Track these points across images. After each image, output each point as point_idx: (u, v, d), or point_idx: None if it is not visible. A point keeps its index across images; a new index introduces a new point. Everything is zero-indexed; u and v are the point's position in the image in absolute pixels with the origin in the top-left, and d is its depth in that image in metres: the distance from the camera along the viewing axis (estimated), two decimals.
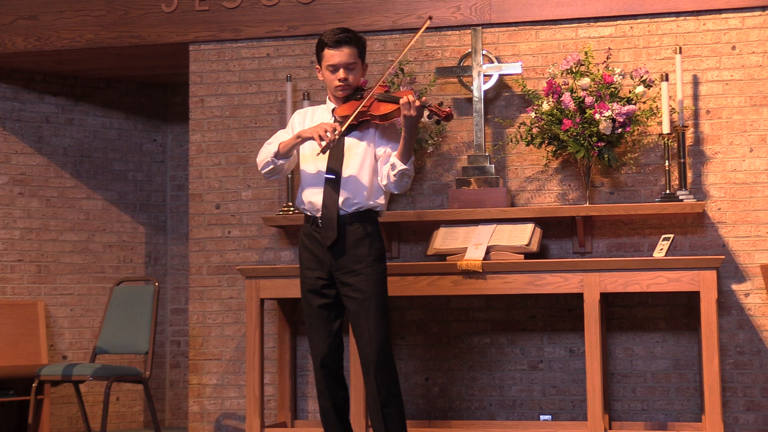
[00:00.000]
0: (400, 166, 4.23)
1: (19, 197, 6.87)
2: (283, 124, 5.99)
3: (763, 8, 5.56)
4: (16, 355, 6.51)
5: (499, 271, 5.20)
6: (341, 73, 4.32)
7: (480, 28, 5.75)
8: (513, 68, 5.68)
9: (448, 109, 4.21)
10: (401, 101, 4.16)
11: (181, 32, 6.20)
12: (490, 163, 5.66)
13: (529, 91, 5.63)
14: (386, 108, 4.25)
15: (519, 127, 5.67)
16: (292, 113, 5.84)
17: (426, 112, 4.26)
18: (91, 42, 6.31)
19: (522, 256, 5.28)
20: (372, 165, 4.34)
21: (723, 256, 5.15)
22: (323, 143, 4.16)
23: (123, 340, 6.09)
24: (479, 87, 5.69)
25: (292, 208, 5.79)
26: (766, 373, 5.43)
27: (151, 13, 6.24)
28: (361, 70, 4.40)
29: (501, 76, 5.75)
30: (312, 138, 4.24)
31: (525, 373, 5.70)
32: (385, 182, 4.31)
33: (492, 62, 5.74)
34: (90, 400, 6.77)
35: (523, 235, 5.36)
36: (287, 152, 4.36)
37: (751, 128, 5.53)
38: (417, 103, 4.14)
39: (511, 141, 5.68)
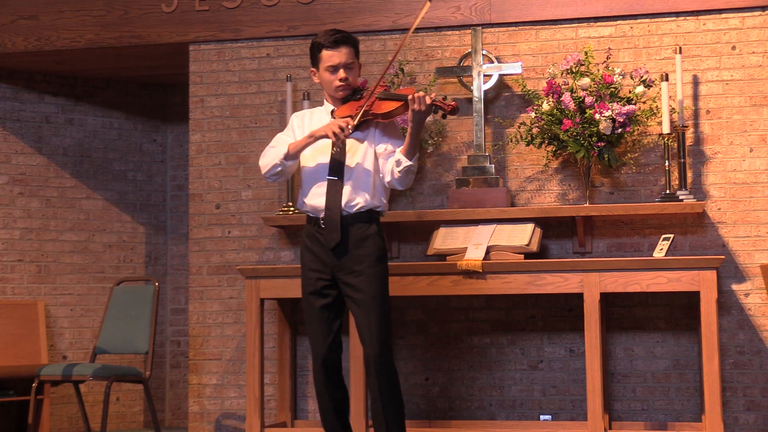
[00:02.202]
0: (406, 162, 4.23)
1: (19, 197, 6.87)
2: (283, 124, 5.99)
3: (763, 8, 5.56)
4: (16, 355, 6.51)
5: (499, 271, 5.20)
6: (341, 73, 4.32)
7: (480, 28, 5.75)
8: (513, 68, 5.68)
9: (453, 103, 4.22)
10: (410, 97, 4.16)
11: (181, 32, 6.20)
12: (490, 163, 5.66)
13: (529, 91, 5.63)
14: (389, 106, 4.25)
15: (519, 127, 5.67)
16: (292, 113, 5.85)
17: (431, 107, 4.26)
18: (91, 42, 6.31)
19: (522, 256, 5.28)
20: (374, 165, 4.34)
21: (723, 256, 5.16)
22: (338, 139, 4.18)
23: (123, 340, 6.09)
24: (479, 87, 5.69)
25: (292, 208, 5.79)
26: (766, 373, 5.43)
27: (151, 13, 6.24)
28: (358, 70, 4.41)
29: (501, 76, 5.75)
30: (325, 136, 4.24)
31: (525, 373, 5.70)
32: (388, 178, 4.30)
33: (492, 62, 5.74)
34: (90, 400, 6.77)
35: (523, 235, 5.36)
36: (297, 153, 4.36)
37: (751, 128, 5.53)
38: (428, 99, 4.15)
39: (511, 141, 5.68)
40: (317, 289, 4.33)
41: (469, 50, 5.77)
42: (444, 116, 4.36)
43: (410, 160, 4.23)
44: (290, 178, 5.79)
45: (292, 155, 4.35)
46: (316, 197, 4.33)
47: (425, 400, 5.78)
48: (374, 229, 4.33)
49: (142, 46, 6.28)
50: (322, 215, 4.31)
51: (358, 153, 4.33)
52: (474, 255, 5.26)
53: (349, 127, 4.18)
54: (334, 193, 4.28)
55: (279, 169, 4.38)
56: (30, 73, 6.93)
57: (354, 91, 4.37)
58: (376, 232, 4.33)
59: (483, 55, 5.72)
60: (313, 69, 4.43)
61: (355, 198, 4.29)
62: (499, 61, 5.76)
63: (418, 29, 5.91)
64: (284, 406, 5.83)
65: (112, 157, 7.20)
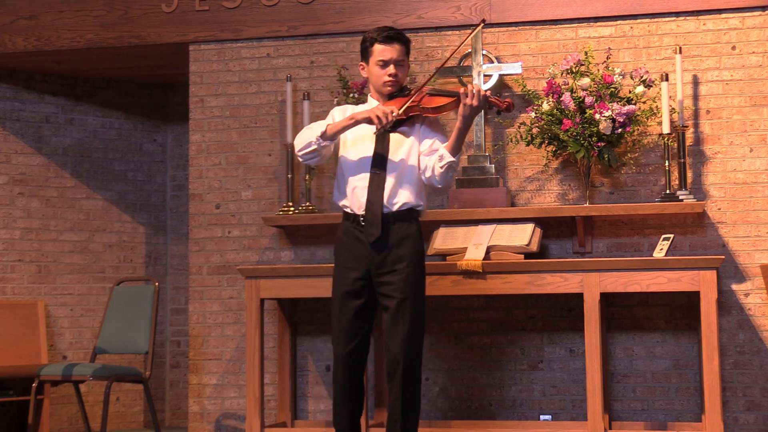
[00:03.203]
0: (449, 158, 4.17)
1: (19, 197, 6.87)
2: (283, 124, 6.00)
3: (763, 8, 5.56)
4: (16, 355, 6.51)
5: (499, 271, 5.20)
6: (392, 69, 4.28)
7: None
8: (513, 68, 5.68)
9: (509, 100, 4.20)
10: (462, 90, 4.13)
11: (181, 32, 6.20)
12: (490, 163, 5.66)
13: (529, 91, 5.63)
14: (440, 101, 4.21)
15: (519, 127, 5.67)
16: (292, 113, 5.88)
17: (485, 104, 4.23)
18: (91, 42, 6.31)
19: (522, 256, 5.28)
20: (417, 162, 4.28)
21: (723, 256, 5.16)
22: (381, 125, 4.12)
23: (123, 340, 6.09)
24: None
25: (292, 208, 5.79)
26: (766, 373, 5.43)
27: (151, 13, 6.24)
28: (407, 69, 4.37)
29: (501, 76, 5.75)
30: (368, 120, 4.18)
31: (525, 373, 5.70)
32: (428, 174, 4.24)
33: (492, 62, 5.74)
34: (90, 400, 6.77)
35: (523, 235, 5.36)
36: (335, 135, 4.27)
37: (751, 128, 5.53)
38: (483, 93, 4.12)
39: (511, 141, 5.68)
40: (354, 289, 4.24)
41: (469, 50, 5.77)
42: (498, 113, 4.32)
43: (454, 156, 4.17)
44: (290, 178, 5.80)
45: (329, 136, 4.26)
46: (357, 190, 4.25)
47: (425, 400, 5.78)
48: (414, 228, 4.27)
49: (142, 46, 6.28)
50: (362, 211, 4.23)
51: (403, 148, 4.28)
52: (474, 255, 5.26)
53: (394, 114, 4.12)
54: (376, 187, 4.20)
55: (313, 147, 4.27)
56: (30, 73, 6.92)
57: (401, 89, 4.34)
58: (417, 232, 4.27)
59: (483, 55, 5.72)
60: (362, 63, 4.38)
61: (398, 194, 4.22)
62: (499, 61, 5.76)
63: (418, 29, 5.91)
64: (284, 406, 5.83)
65: (112, 157, 7.20)
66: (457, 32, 5.90)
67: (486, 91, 4.21)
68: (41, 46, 6.36)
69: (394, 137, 4.28)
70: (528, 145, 5.58)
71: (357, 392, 4.29)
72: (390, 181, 4.23)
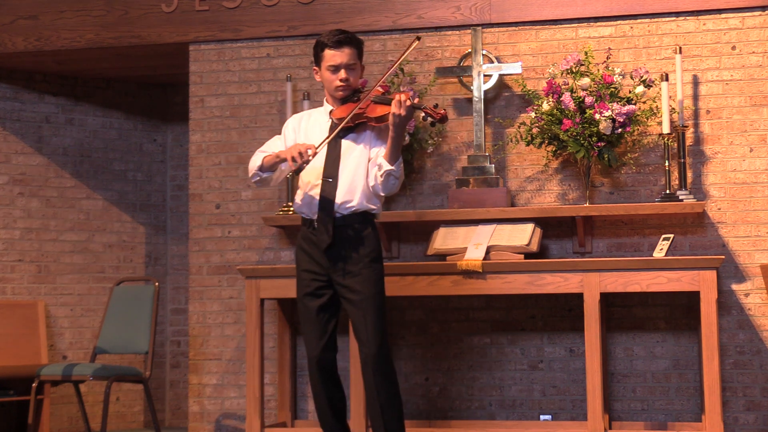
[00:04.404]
0: (387, 166, 4.23)
1: (19, 197, 6.87)
2: (283, 124, 5.98)
3: (763, 8, 5.56)
4: (16, 355, 6.51)
5: (499, 271, 5.20)
6: (342, 74, 4.33)
7: (480, 28, 5.75)
8: (513, 68, 5.68)
9: (443, 111, 4.20)
10: (394, 100, 4.16)
11: (181, 32, 6.20)
12: (490, 163, 5.66)
13: (529, 91, 5.63)
14: (382, 110, 4.25)
15: (519, 127, 5.67)
16: (292, 113, 5.87)
17: (421, 114, 4.26)
18: (91, 42, 6.31)
19: (522, 256, 5.28)
20: (367, 167, 4.34)
21: (723, 256, 5.15)
22: (296, 165, 4.17)
23: (123, 340, 6.09)
24: (479, 87, 5.69)
25: (292, 208, 5.79)
26: (766, 373, 5.43)
27: (151, 13, 6.24)
28: (359, 72, 4.41)
29: (501, 76, 5.75)
30: (285, 159, 4.26)
31: (525, 373, 5.70)
32: (372, 183, 4.31)
33: (492, 62, 5.74)
34: (90, 400, 6.77)
35: (523, 235, 5.36)
36: (270, 167, 4.39)
37: (751, 128, 5.53)
38: (408, 102, 4.13)
39: (511, 141, 5.68)
40: (312, 290, 4.34)
41: (469, 50, 5.77)
42: (433, 124, 4.35)
43: (391, 165, 4.22)
44: (290, 179, 5.80)
45: (267, 167, 4.39)
46: (310, 199, 4.34)
47: (425, 400, 5.78)
48: (369, 230, 4.34)
49: (142, 46, 6.28)
50: (315, 216, 4.31)
51: (353, 155, 4.34)
52: (474, 255, 5.26)
53: (309, 152, 4.16)
54: (327, 195, 4.29)
55: (257, 178, 4.43)
56: (30, 73, 6.92)
57: (354, 92, 4.37)
58: (371, 234, 4.34)
59: (483, 55, 5.73)
60: (315, 68, 4.44)
61: (348, 200, 4.29)
62: (499, 61, 5.76)
63: (418, 29, 5.91)
64: (284, 406, 5.83)
65: (112, 157, 7.20)
66: (457, 32, 5.89)
67: (415, 100, 4.21)
68: (41, 46, 6.36)
69: (345, 144, 4.34)
70: (528, 145, 5.58)
71: (336, 390, 4.37)
72: (342, 187, 4.29)
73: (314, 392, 4.37)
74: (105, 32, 6.29)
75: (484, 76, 5.72)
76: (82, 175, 7.08)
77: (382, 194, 4.33)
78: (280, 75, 6.07)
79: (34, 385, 5.90)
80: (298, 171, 4.24)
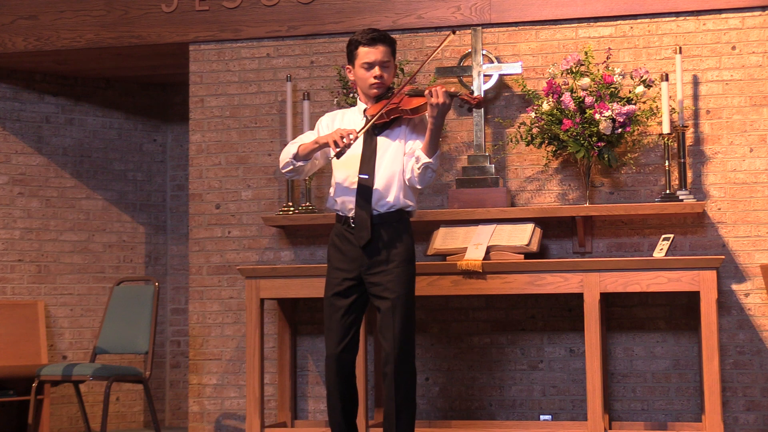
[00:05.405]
0: (424, 159, 4.22)
1: (19, 197, 6.87)
2: (283, 124, 6.00)
3: (763, 8, 5.56)
4: (16, 355, 6.51)
5: (499, 271, 5.20)
6: (377, 71, 4.31)
7: (480, 28, 5.75)
8: (513, 68, 5.68)
9: (479, 96, 4.21)
10: (426, 90, 4.17)
11: (181, 32, 6.20)
12: (490, 163, 5.66)
13: (529, 91, 5.63)
14: (417, 102, 4.25)
15: (519, 127, 5.67)
16: (292, 113, 5.88)
17: (457, 101, 4.25)
18: (91, 42, 6.31)
19: (522, 256, 5.28)
20: (403, 162, 4.32)
21: (723, 256, 5.15)
22: (338, 149, 4.16)
23: (123, 340, 6.09)
24: (479, 87, 5.69)
25: (292, 208, 5.79)
26: (766, 373, 5.43)
27: (151, 13, 6.24)
28: (393, 70, 4.40)
29: (501, 76, 5.76)
30: (327, 144, 4.24)
31: (525, 373, 5.70)
32: (408, 176, 4.29)
33: (492, 62, 5.74)
34: (90, 400, 6.77)
35: (523, 235, 5.36)
36: (306, 155, 4.36)
37: (751, 128, 5.53)
38: (441, 89, 4.14)
39: (511, 141, 5.68)
40: (342, 290, 4.31)
41: (469, 50, 5.77)
42: (470, 110, 4.35)
43: (429, 157, 4.22)
44: (292, 181, 5.80)
45: (302, 156, 4.36)
46: (346, 196, 4.32)
47: (425, 400, 5.78)
48: (404, 228, 4.33)
49: (142, 46, 6.28)
50: (351, 214, 4.30)
51: (390, 150, 4.32)
52: (474, 255, 5.26)
53: (351, 136, 4.16)
54: (363, 192, 4.27)
55: (290, 167, 4.39)
56: (30, 73, 6.92)
57: (388, 90, 4.37)
58: (407, 232, 4.33)
59: (483, 55, 5.72)
60: (348, 66, 4.42)
61: (385, 198, 4.28)
62: (499, 61, 5.76)
63: (418, 29, 5.92)
64: (284, 406, 5.83)
65: (112, 157, 7.20)
66: (457, 32, 5.88)
67: (451, 88, 4.22)
68: (41, 46, 6.36)
69: (381, 141, 4.34)
70: (528, 145, 5.58)
71: (350, 390, 4.35)
72: (378, 183, 4.29)
73: (328, 390, 4.34)
74: (105, 32, 6.29)
75: (484, 76, 5.72)
76: (82, 175, 7.08)
77: (419, 187, 4.32)
78: (280, 75, 6.07)
79: (34, 385, 5.90)
80: (339, 155, 4.19)
